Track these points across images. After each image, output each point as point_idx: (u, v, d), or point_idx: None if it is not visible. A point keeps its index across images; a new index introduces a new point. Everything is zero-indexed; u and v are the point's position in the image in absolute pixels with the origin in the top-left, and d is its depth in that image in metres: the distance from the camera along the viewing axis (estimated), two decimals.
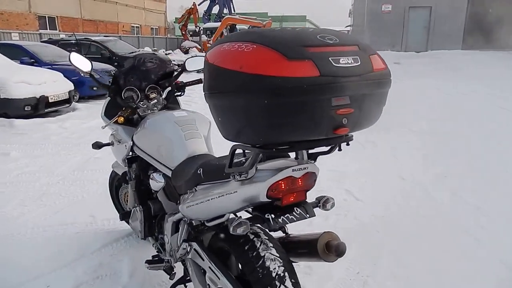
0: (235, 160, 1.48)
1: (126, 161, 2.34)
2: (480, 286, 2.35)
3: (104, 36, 14.58)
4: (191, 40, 20.43)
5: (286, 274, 1.49)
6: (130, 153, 2.27)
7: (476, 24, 18.90)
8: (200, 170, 1.60)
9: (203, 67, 2.49)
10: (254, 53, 1.05)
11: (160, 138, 2.04)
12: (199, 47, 19.42)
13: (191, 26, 21.20)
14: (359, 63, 1.08)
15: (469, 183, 3.86)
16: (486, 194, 3.59)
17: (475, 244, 2.77)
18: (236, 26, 24.86)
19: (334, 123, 1.09)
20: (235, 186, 1.40)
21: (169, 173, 1.97)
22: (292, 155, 1.45)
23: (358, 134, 1.27)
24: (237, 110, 1.11)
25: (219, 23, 22.18)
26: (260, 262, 1.48)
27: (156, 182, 2.03)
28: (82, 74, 2.38)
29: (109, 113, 2.43)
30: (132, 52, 11.69)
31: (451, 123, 6.37)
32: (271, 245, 1.55)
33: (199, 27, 21.27)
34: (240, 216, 1.42)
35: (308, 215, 1.43)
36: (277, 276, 1.47)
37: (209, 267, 1.69)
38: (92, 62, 2.46)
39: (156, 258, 2.06)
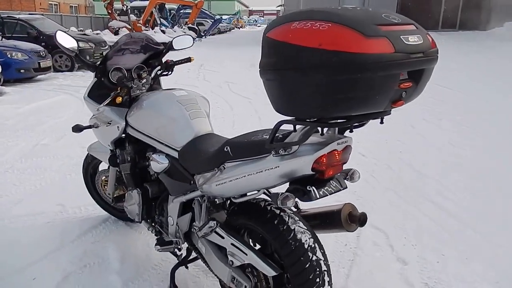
0: (265, 138, 1.51)
1: (115, 143, 2.25)
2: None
3: (29, 14, 13.39)
4: (119, 20, 19.42)
5: (316, 245, 1.56)
6: (123, 135, 2.19)
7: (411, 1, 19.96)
8: (227, 148, 1.60)
9: (191, 45, 2.48)
10: (332, 31, 1.09)
11: (163, 118, 1.98)
12: (129, 27, 18.55)
13: (117, 5, 20.13)
14: (422, 41, 1.18)
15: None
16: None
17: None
18: (166, 6, 24.10)
19: (395, 96, 1.18)
20: (276, 161, 1.43)
21: (174, 154, 1.93)
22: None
23: None
24: (307, 85, 1.15)
25: (147, 2, 21.34)
26: (292, 235, 1.54)
27: (158, 164, 1.98)
28: (68, 54, 2.22)
29: (94, 95, 2.30)
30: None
31: None
32: (297, 218, 1.61)
33: (126, 6, 20.27)
34: (287, 190, 1.45)
35: (342, 187, 1.50)
36: (309, 248, 1.53)
37: (232, 244, 1.70)
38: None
39: (166, 240, 2.02)
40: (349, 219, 1.66)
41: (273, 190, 1.63)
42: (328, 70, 1.09)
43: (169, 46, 2.37)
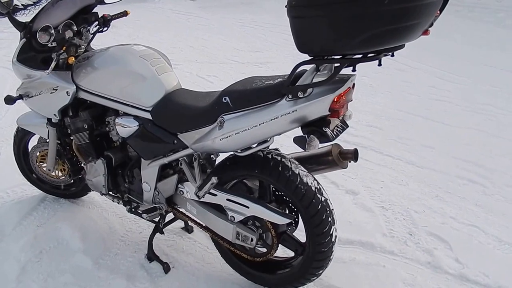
0: (268, 84, 1.47)
1: (62, 112, 1.99)
2: None
3: None
4: None
5: (320, 186, 1.61)
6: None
7: None
8: (225, 99, 1.51)
9: None
10: None
11: (127, 76, 1.78)
12: None
13: None
14: None
15: None
16: None
17: None
18: None
19: (426, 26, 1.23)
20: (291, 105, 1.40)
21: (144, 115, 1.78)
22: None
23: None
24: (353, 17, 1.14)
25: None
26: (299, 179, 1.56)
27: (125, 128, 1.82)
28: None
29: (24, 57, 1.96)
30: None
31: None
32: (297, 163, 1.62)
33: None
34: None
35: (346, 126, 1.54)
36: (316, 190, 1.58)
37: (228, 199, 1.67)
38: None
39: (149, 208, 1.89)
40: (341, 157, 1.72)
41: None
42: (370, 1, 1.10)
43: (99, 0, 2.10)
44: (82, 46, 1.98)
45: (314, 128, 1.42)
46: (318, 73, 1.41)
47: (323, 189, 1.61)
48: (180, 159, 1.75)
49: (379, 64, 1.33)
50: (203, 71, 5.02)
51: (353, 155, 1.70)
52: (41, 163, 2.42)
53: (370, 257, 2.12)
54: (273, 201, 1.72)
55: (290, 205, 1.73)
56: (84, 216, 2.41)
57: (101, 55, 1.87)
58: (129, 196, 2.02)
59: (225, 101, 1.52)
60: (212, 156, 1.74)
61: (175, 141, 1.71)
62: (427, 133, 3.47)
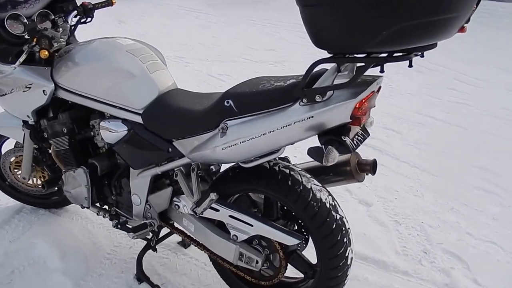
0: (279, 85, 1.25)
1: (37, 113, 1.75)
2: None
3: None
4: None
5: (335, 202, 1.40)
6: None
7: None
8: (228, 102, 1.29)
9: None
10: None
11: (113, 74, 1.55)
12: None
13: None
14: None
15: None
16: None
17: None
18: None
19: (463, 21, 1.03)
20: (306, 111, 1.18)
21: (134, 118, 1.55)
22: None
23: None
24: (366, 9, 0.95)
25: None
26: (311, 194, 1.35)
27: (113, 132, 1.59)
28: None
29: None
30: None
31: None
32: (309, 176, 1.41)
33: None
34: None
35: (366, 135, 1.33)
36: (331, 207, 1.36)
37: (231, 216, 1.45)
38: None
39: (138, 225, 1.65)
40: (358, 168, 1.52)
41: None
42: None
43: None
44: (62, 39, 1.73)
45: (332, 137, 1.21)
46: (339, 74, 1.20)
47: (339, 206, 1.40)
48: (175, 169, 1.52)
49: (410, 65, 1.12)
50: (215, 70, 4.80)
51: (371, 167, 1.49)
52: (15, 170, 2.16)
53: (383, 277, 1.92)
54: (281, 217, 1.51)
55: (300, 221, 1.52)
56: (65, 229, 2.16)
57: (83, 49, 1.63)
58: (117, 209, 1.78)
59: (228, 105, 1.29)
60: (212, 167, 1.52)
61: (170, 149, 1.49)
62: (445, 138, 3.32)
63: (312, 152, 1.21)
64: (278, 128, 1.22)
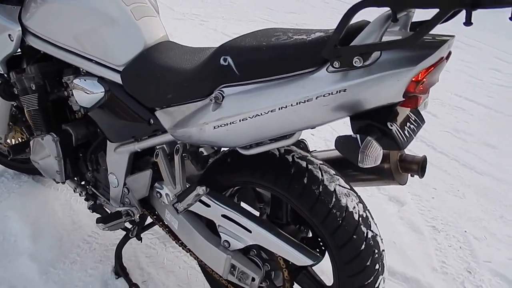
0: (300, 40, 0.86)
1: (7, 63, 1.43)
2: None
3: None
4: None
5: (367, 213, 1.02)
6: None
7: None
8: (226, 60, 0.91)
9: None
10: None
11: (90, 18, 1.20)
12: None
13: None
14: None
15: None
16: None
17: None
18: None
19: None
20: (337, 81, 0.79)
21: (113, 77, 1.20)
22: None
23: None
24: None
25: None
26: (334, 200, 0.97)
27: (87, 93, 1.25)
28: None
29: None
30: None
31: None
32: (333, 172, 1.03)
33: None
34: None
35: (422, 122, 0.94)
36: (360, 219, 0.99)
37: (224, 216, 1.10)
38: None
39: (112, 213, 1.33)
40: (401, 167, 1.12)
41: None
42: None
43: None
44: None
45: (373, 123, 0.82)
46: (389, 29, 0.80)
47: (372, 219, 1.02)
48: (157, 147, 1.17)
49: (468, 23, 0.70)
50: (229, 29, 4.40)
51: (419, 166, 1.09)
52: None
53: None
54: (291, 221, 1.15)
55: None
56: (45, 203, 1.87)
57: None
58: (93, 189, 1.47)
59: (226, 63, 0.91)
60: (202, 150, 1.16)
61: (151, 120, 1.14)
62: (488, 128, 2.87)
63: (341, 144, 0.82)
64: (293, 104, 0.84)
